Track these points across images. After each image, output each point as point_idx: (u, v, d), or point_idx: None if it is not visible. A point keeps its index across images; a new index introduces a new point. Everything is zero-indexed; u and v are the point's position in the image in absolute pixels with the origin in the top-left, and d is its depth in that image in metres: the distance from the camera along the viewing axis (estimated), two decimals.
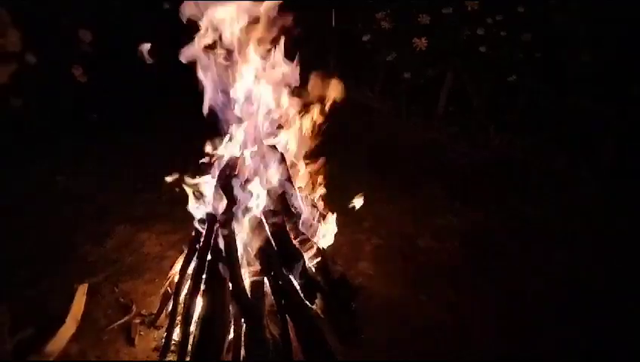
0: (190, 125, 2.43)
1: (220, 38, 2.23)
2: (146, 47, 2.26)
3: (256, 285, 2.25)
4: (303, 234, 2.41)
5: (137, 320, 2.49)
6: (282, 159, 2.44)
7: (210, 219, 2.31)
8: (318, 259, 2.36)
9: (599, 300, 2.81)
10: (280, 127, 2.49)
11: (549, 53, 4.45)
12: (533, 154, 4.52)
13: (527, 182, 4.20)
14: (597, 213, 3.74)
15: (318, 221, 2.64)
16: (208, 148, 2.46)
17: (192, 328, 2.13)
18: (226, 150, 2.42)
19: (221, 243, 2.26)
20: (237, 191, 2.29)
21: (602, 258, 3.20)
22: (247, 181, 2.35)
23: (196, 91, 2.36)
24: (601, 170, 4.23)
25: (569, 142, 4.46)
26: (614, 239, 3.42)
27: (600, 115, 4.27)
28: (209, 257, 2.25)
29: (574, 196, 3.96)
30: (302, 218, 2.47)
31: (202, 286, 2.19)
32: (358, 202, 3.03)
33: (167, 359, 2.20)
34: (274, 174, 2.40)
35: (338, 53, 5.79)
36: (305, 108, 2.55)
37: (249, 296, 2.17)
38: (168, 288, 2.49)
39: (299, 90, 2.50)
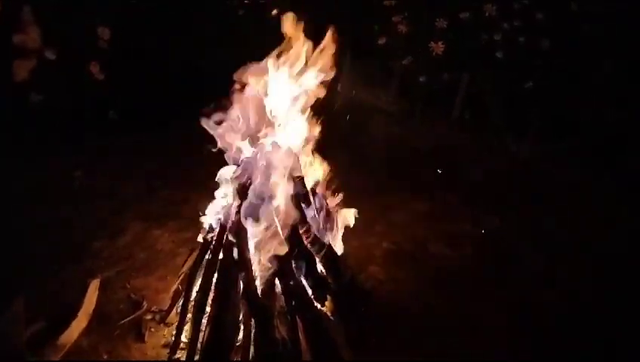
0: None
1: None
2: None
3: (267, 285, 2.25)
4: (315, 235, 2.41)
5: (148, 317, 2.51)
6: (296, 160, 2.44)
7: (224, 217, 2.32)
8: (329, 260, 2.36)
9: (616, 314, 2.76)
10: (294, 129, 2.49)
11: (568, 61, 4.41)
12: (550, 162, 4.47)
13: (544, 191, 4.15)
14: (615, 222, 3.68)
15: (330, 223, 2.63)
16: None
17: (203, 326, 2.14)
18: (242, 150, 2.43)
19: (233, 243, 2.27)
20: (250, 191, 2.30)
21: (621, 270, 3.14)
22: (261, 181, 2.35)
23: (213, 89, 2.37)
24: (621, 179, 4.17)
25: (589, 151, 4.40)
26: (634, 250, 3.36)
27: (621, 124, 4.22)
28: (221, 256, 2.26)
29: (592, 205, 3.91)
30: (314, 219, 2.47)
31: (213, 285, 2.20)
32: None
33: (177, 356, 2.21)
34: (287, 175, 2.40)
35: (353, 56, 5.79)
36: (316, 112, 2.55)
37: (259, 295, 2.17)
38: (179, 285, 2.51)
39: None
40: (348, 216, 2.67)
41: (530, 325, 2.63)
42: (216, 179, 2.45)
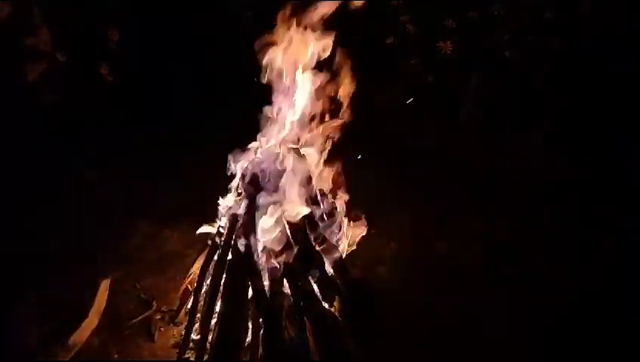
0: (217, 124, 2.46)
1: None
2: None
3: (275, 286, 2.26)
4: (323, 236, 2.41)
5: (158, 317, 2.53)
6: (304, 161, 2.45)
7: (232, 219, 2.33)
8: (338, 261, 2.36)
9: (618, 314, 2.73)
10: (304, 130, 2.49)
11: (577, 61, 4.38)
12: (561, 163, 4.43)
13: (554, 191, 4.11)
14: (625, 226, 3.63)
15: (338, 223, 2.63)
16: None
17: (212, 326, 2.15)
18: (252, 153, 2.44)
19: (241, 244, 2.28)
20: (259, 192, 2.30)
21: (633, 276, 3.10)
22: (270, 182, 2.36)
23: (223, 90, 2.38)
24: (629, 182, 4.12)
25: (598, 152, 4.36)
26: (635, 250, 3.32)
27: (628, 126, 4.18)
28: (229, 257, 2.27)
29: (603, 207, 3.86)
30: (322, 220, 2.47)
31: (222, 285, 2.21)
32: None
33: (186, 356, 2.23)
34: (296, 175, 2.41)
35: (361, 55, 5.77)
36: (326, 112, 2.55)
37: (268, 296, 2.18)
38: (189, 286, 2.53)
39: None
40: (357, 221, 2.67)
41: (537, 330, 2.62)
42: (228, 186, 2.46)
